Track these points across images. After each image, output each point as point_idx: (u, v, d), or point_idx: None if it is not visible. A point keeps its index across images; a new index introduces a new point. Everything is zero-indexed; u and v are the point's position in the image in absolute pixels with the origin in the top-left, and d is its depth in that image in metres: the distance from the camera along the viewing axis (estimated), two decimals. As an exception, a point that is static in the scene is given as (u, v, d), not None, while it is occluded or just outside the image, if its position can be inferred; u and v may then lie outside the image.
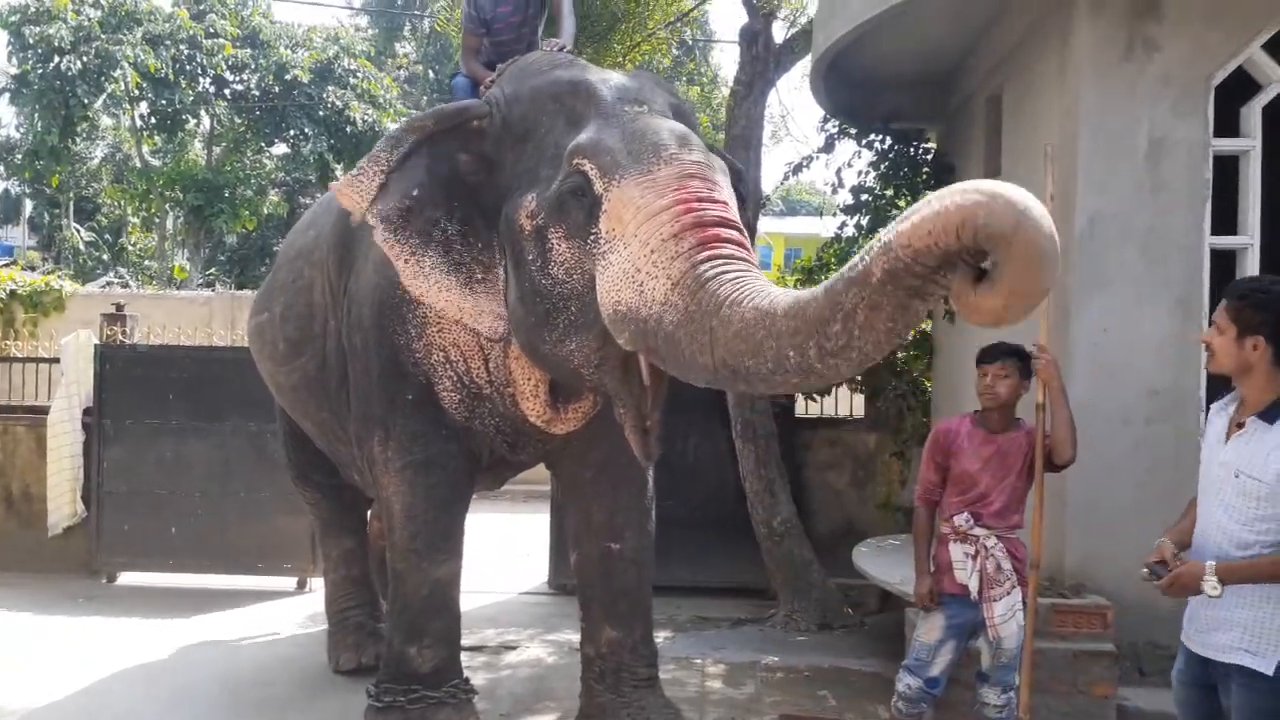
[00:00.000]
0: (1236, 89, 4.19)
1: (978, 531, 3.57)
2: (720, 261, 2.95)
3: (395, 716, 4.22)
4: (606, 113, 3.46)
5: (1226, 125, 4.18)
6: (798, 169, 7.21)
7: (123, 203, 22.04)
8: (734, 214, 3.18)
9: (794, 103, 32.14)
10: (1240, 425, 2.72)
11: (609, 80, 3.65)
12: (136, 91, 18.50)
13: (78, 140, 20.30)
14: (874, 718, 4.65)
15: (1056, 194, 4.37)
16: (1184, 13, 4.13)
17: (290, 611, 6.62)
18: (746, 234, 3.20)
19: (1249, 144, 4.16)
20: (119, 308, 8.18)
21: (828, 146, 6.95)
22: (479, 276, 3.70)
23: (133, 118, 20.45)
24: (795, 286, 7.47)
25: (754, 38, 6.35)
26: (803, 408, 7.36)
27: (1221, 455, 2.76)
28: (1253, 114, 4.17)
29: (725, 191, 3.23)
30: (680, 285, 2.97)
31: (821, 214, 8.54)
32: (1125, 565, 4.04)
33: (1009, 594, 3.52)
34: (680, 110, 3.70)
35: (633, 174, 3.21)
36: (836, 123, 6.88)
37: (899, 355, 6.89)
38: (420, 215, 3.69)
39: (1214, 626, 2.68)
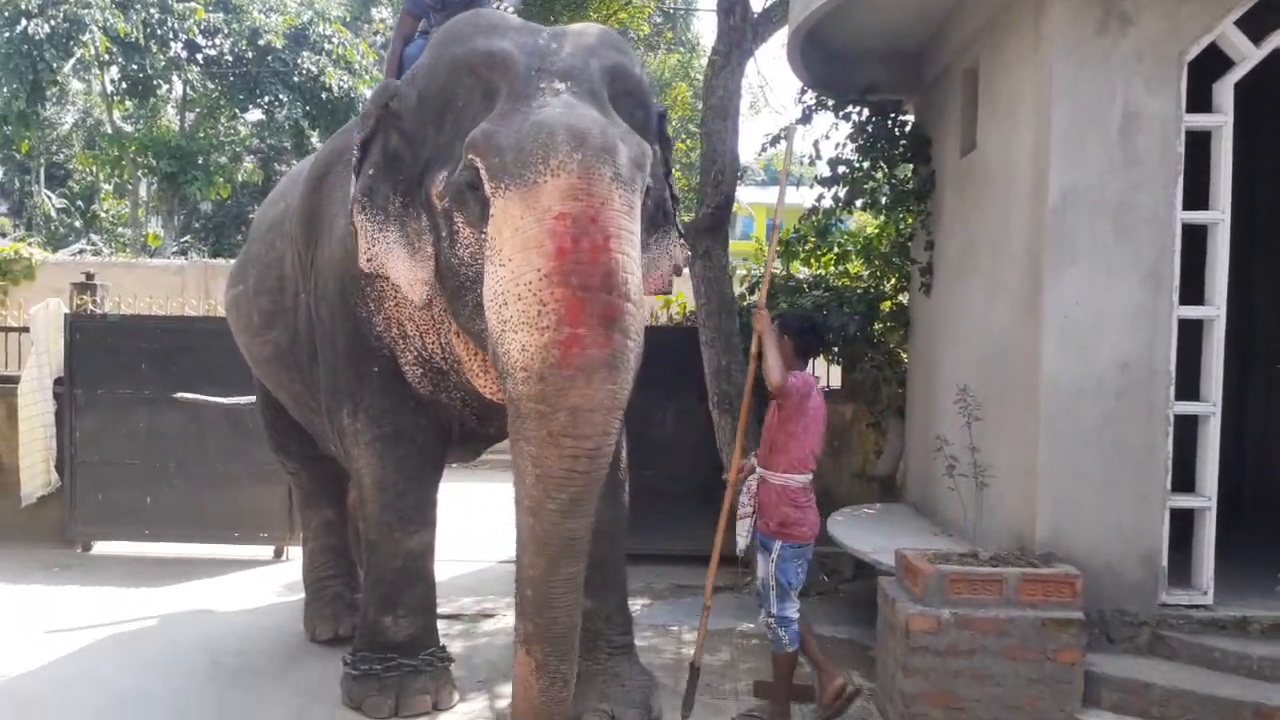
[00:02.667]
0: (1209, 65, 4.21)
1: (754, 463, 4.24)
2: (571, 364, 3.04)
3: (372, 685, 4.27)
4: (518, 92, 3.41)
5: (1199, 101, 4.20)
6: (775, 140, 7.18)
7: (94, 169, 21.67)
8: (614, 243, 3.11)
9: (773, 73, 31.92)
10: None
11: (532, 47, 3.57)
12: (106, 56, 18.13)
13: (47, 105, 19.88)
14: (849, 681, 4.70)
15: (1028, 169, 4.41)
16: (1159, -13, 4.13)
17: (267, 580, 6.63)
18: (626, 261, 3.14)
19: (1221, 120, 4.18)
20: (89, 277, 8.08)
21: (805, 118, 6.92)
22: (416, 246, 3.75)
23: (103, 83, 20.08)
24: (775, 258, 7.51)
25: (732, 7, 6.30)
26: (779, 379, 7.37)
27: None
28: (1225, 90, 4.18)
29: (613, 208, 3.16)
30: (533, 359, 3.09)
31: (800, 185, 8.53)
32: (1094, 534, 4.14)
33: (743, 521, 4.21)
34: (619, 71, 3.61)
35: (516, 186, 3.19)
36: (814, 94, 6.85)
37: (876, 327, 6.93)
38: (378, 193, 3.77)
39: None
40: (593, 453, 3.16)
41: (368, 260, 3.77)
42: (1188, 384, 4.23)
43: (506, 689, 4.58)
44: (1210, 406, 4.22)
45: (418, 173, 3.73)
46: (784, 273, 7.41)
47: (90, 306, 7.74)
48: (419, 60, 3.91)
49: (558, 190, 3.13)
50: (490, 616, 5.77)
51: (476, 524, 7.60)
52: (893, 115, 6.60)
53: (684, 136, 14.94)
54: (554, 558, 3.27)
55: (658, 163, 3.99)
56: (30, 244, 12.56)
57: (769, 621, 4.16)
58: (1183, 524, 4.22)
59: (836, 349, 7.05)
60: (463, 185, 3.40)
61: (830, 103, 6.73)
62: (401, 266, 3.75)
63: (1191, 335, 4.24)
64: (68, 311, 7.46)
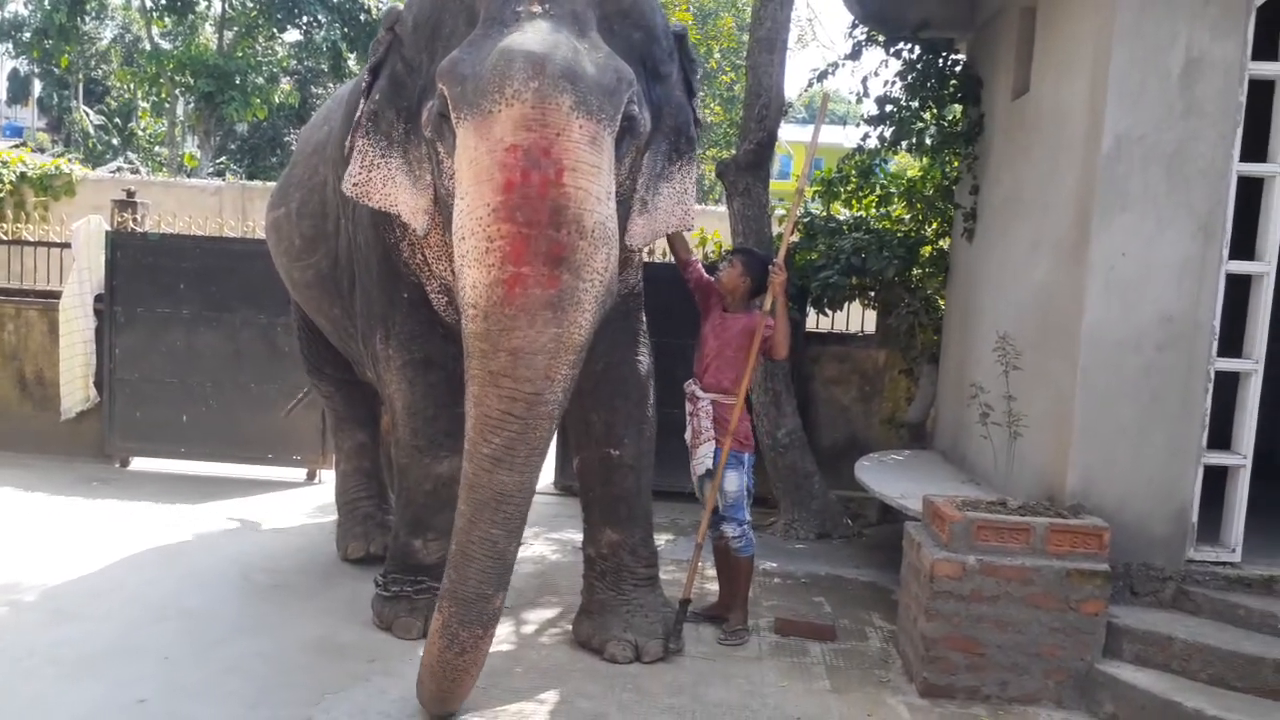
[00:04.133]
0: (1276, 12, 4.05)
1: (698, 393, 4.46)
2: (513, 303, 3.02)
3: (402, 605, 4.36)
4: (493, 15, 3.32)
5: (1262, 49, 4.05)
6: (823, 76, 7.02)
7: (132, 86, 21.69)
8: (568, 176, 3.03)
9: (821, 6, 31.01)
10: None
11: None
12: (146, -30, 18.06)
13: (86, 20, 19.91)
14: (868, 625, 4.76)
15: (1082, 114, 4.29)
16: (1231, -74, 3.97)
17: (300, 502, 6.75)
18: (580, 195, 3.05)
19: (1286, 68, 4.04)
20: (130, 194, 8.12)
21: (854, 54, 6.76)
22: (418, 174, 3.72)
23: (141, -2, 20.00)
24: (814, 198, 7.41)
25: (782, -64, 6.13)
26: (813, 322, 7.34)
27: None
28: (1293, 36, 4.04)
29: (570, 138, 3.06)
30: (480, 296, 3.06)
31: (845, 123, 8.35)
32: (1125, 487, 4.11)
33: (702, 445, 4.40)
34: None
35: (473, 116, 3.12)
36: (864, 29, 6.68)
37: (914, 272, 6.84)
38: (384, 118, 3.74)
39: None
40: (531, 397, 3.11)
41: (354, 185, 3.74)
42: (1229, 340, 4.15)
43: (531, 615, 4.70)
44: (1252, 364, 4.15)
45: (415, 100, 3.68)
46: (824, 213, 7.32)
47: (131, 224, 7.80)
48: None
49: (510, 120, 3.04)
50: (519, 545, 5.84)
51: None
52: (944, 54, 6.43)
53: (728, 69, 14.67)
54: (477, 509, 3.22)
55: (677, 85, 3.89)
56: (70, 160, 12.61)
57: (743, 529, 4.45)
58: (1214, 481, 4.18)
59: (874, 293, 6.98)
60: (438, 115, 3.35)
61: (880, 39, 6.56)
62: (404, 194, 3.72)
63: (1237, 291, 4.15)
64: (109, 229, 7.53)
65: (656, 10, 3.82)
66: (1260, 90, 4.07)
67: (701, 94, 4.13)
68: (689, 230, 4.40)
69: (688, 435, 4.54)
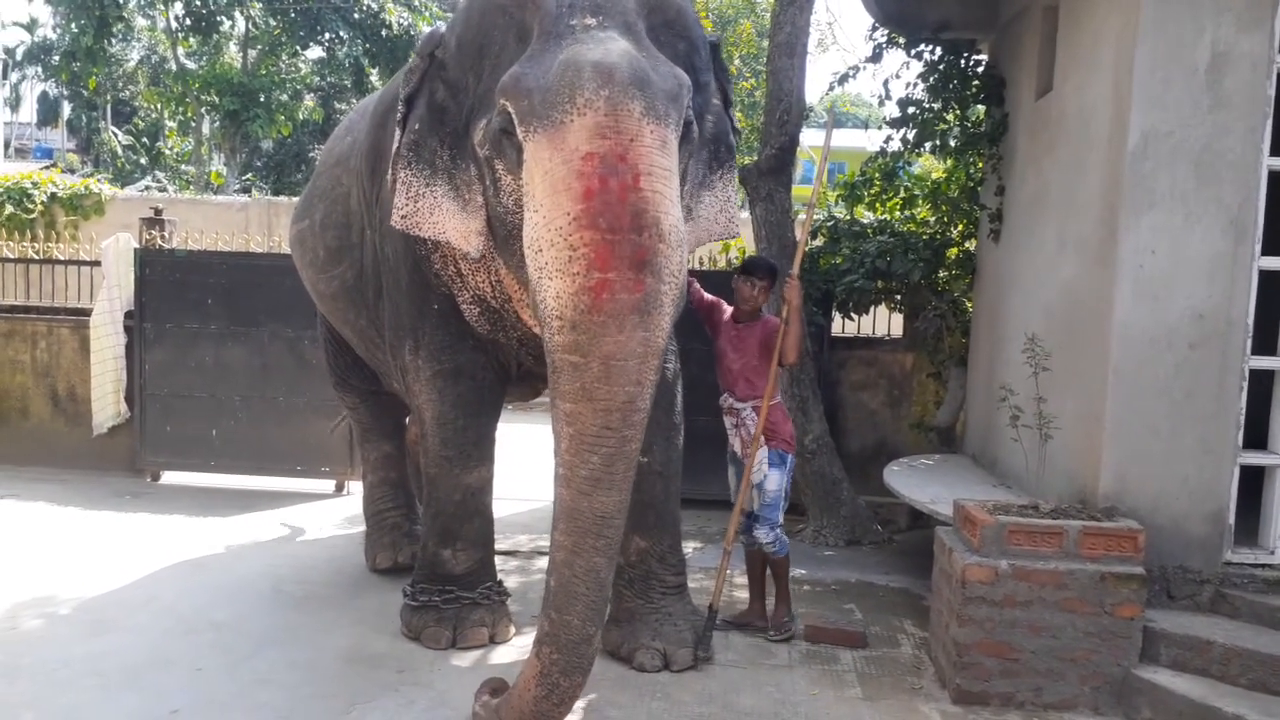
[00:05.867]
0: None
1: (735, 404, 4.55)
2: (602, 310, 2.93)
3: (431, 616, 4.36)
4: (548, 30, 3.30)
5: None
6: (844, 79, 7.00)
7: (159, 106, 21.98)
8: (645, 181, 3.00)
9: (842, 9, 30.88)
10: None
11: None
12: (171, -8, 18.32)
13: (113, 42, 20.20)
14: (899, 631, 4.72)
15: (1107, 111, 4.24)
16: (1256, -82, 3.92)
17: (329, 513, 6.79)
18: (658, 199, 3.01)
19: (1315, 61, 3.98)
20: (158, 212, 8.23)
21: (875, 56, 6.74)
22: (467, 198, 3.71)
23: (167, 19, 20.26)
24: (837, 202, 7.39)
25: (801, -60, 6.12)
26: (839, 327, 7.31)
27: None
28: (1321, 29, 3.98)
29: (643, 144, 3.03)
30: (565, 306, 2.98)
31: (867, 127, 8.32)
32: (1159, 488, 4.05)
33: (758, 451, 4.45)
34: (656, 2, 3.47)
35: (544, 128, 3.09)
36: (885, 32, 6.66)
37: (940, 275, 6.79)
38: (425, 147, 3.73)
39: None
40: (626, 407, 3.03)
41: (403, 217, 3.73)
42: (1263, 337, 4.08)
43: (561, 625, 4.67)
44: (1289, 361, 4.08)
45: (463, 123, 3.67)
46: (848, 217, 7.29)
47: (159, 241, 7.89)
48: (458, 5, 3.86)
49: (584, 129, 3.03)
50: (545, 554, 5.80)
51: (532, 464, 7.67)
52: (966, 55, 6.40)
53: (748, 75, 14.66)
54: (581, 538, 3.09)
55: (715, 94, 3.90)
56: (100, 180, 12.78)
57: (776, 533, 4.54)
58: (1251, 481, 4.11)
59: (900, 297, 6.94)
60: (498, 131, 3.33)
61: (901, 41, 6.54)
62: (453, 220, 3.71)
63: (1270, 287, 4.09)
64: (137, 246, 7.62)
65: (698, 22, 3.82)
66: (1289, 83, 4.02)
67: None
68: (733, 238, 4.41)
69: (736, 447, 4.60)
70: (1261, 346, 4.07)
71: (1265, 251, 4.01)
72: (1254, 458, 4.07)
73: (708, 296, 4.74)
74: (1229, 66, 3.95)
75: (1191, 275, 4.01)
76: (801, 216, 7.29)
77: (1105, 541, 3.84)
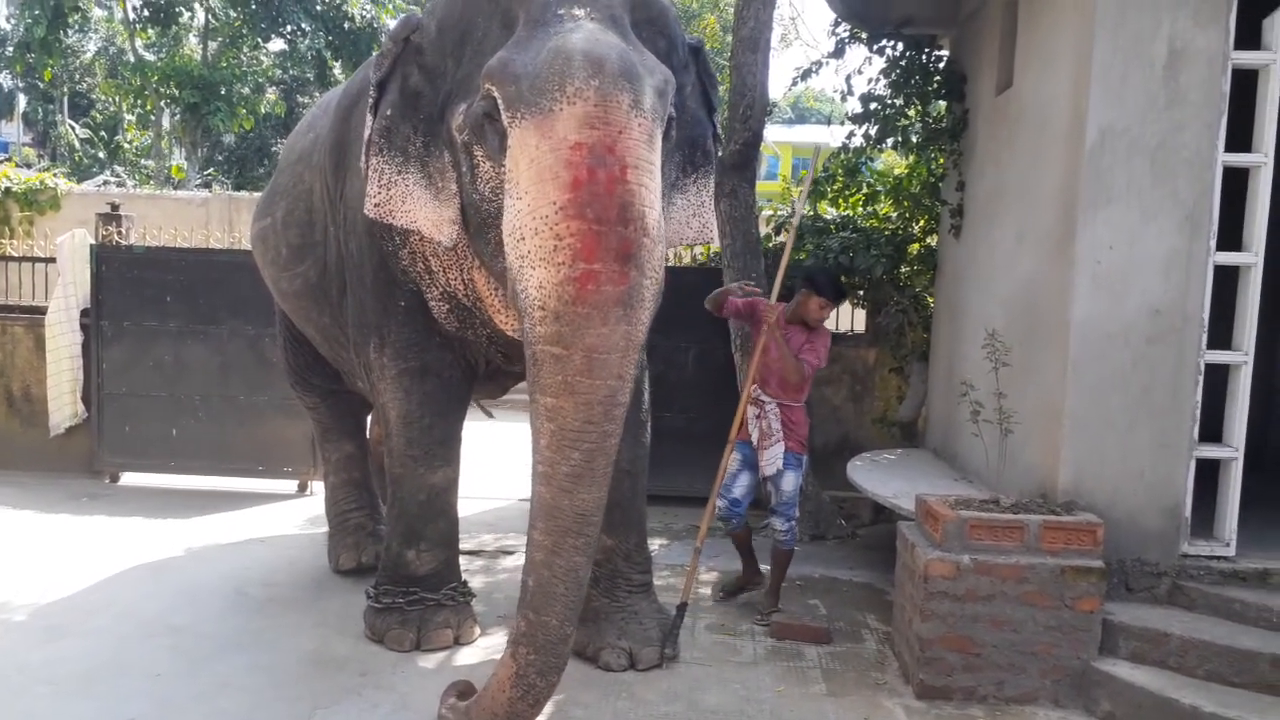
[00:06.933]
0: (1259, 0, 4.05)
1: (763, 398, 4.73)
2: (587, 301, 2.92)
3: (394, 618, 4.32)
4: (535, 18, 3.29)
5: (1245, 38, 4.04)
6: (806, 74, 7.02)
7: (117, 99, 21.61)
8: (632, 174, 2.99)
9: (804, 4, 31.03)
10: None
11: None
12: (128, -18, 18.00)
13: (69, 33, 19.80)
14: (864, 626, 4.74)
15: (1066, 107, 4.28)
16: (1211, -83, 3.96)
17: (291, 514, 6.71)
18: (644, 193, 3.01)
19: (1270, 58, 4.01)
20: (115, 208, 8.09)
21: (838, 52, 6.75)
22: (440, 185, 3.67)
23: (125, 10, 19.90)
24: (799, 196, 7.39)
25: (764, -64, 6.12)
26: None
27: None
28: (1276, 26, 4.02)
29: (631, 137, 3.03)
30: (549, 296, 2.96)
31: (830, 123, 8.33)
32: (1117, 482, 4.09)
33: (772, 447, 4.68)
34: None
35: (532, 114, 3.06)
36: (847, 27, 6.67)
37: (903, 270, 6.83)
38: (398, 133, 3.69)
39: None
40: (608, 400, 3.02)
41: (375, 205, 3.69)
42: (1216, 332, 4.14)
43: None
44: (1242, 356, 4.14)
45: (438, 108, 3.64)
46: (811, 213, 7.30)
47: (116, 238, 7.76)
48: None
49: (574, 118, 3.01)
50: (510, 554, 5.82)
51: (498, 462, 7.64)
52: (927, 50, 6.43)
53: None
54: (561, 536, 3.06)
55: (693, 97, 3.89)
56: (56, 174, 12.55)
57: (790, 525, 4.76)
58: (1206, 475, 4.17)
59: (861, 292, 6.97)
60: (480, 116, 3.30)
61: (864, 36, 6.56)
62: (425, 209, 3.68)
63: (1226, 282, 4.14)
64: (94, 242, 7.49)
65: (677, 21, 3.81)
66: (1244, 80, 4.07)
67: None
68: (705, 243, 4.40)
69: (754, 436, 4.77)
70: (1216, 341, 4.12)
71: (1220, 247, 4.06)
72: (1209, 451, 4.13)
73: (740, 302, 4.91)
74: (1185, 62, 4.00)
75: (1148, 270, 4.05)
76: (767, 213, 7.33)
77: (1065, 535, 3.88)
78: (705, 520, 4.57)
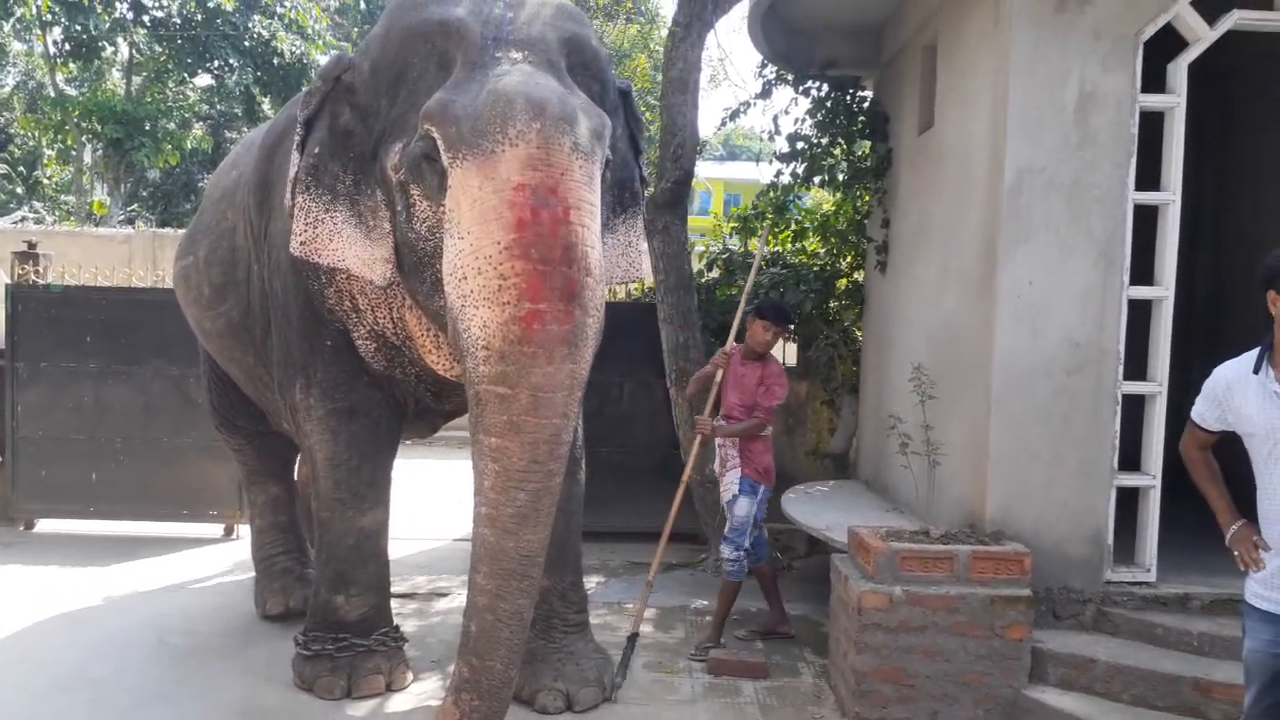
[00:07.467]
0: (1164, 45, 4.23)
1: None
2: (533, 340, 2.96)
3: (324, 665, 4.22)
4: (473, 60, 3.32)
5: (1152, 81, 4.23)
6: (735, 115, 7.14)
7: (36, 134, 21.04)
8: (574, 214, 3.05)
9: (732, 46, 31.67)
10: None
11: (488, 16, 3.47)
12: (48, 16, 17.58)
13: (-14, 67, 19.29)
14: (800, 660, 4.76)
15: (985, 147, 4.41)
16: (1116, -33, 4.14)
17: (217, 558, 6.53)
18: (586, 233, 3.07)
19: (1174, 100, 4.21)
20: (32, 245, 7.82)
21: (765, 93, 6.89)
22: (371, 224, 3.66)
23: (45, 44, 19.45)
24: (731, 233, 7.49)
25: (692, -22, 6.23)
26: (736, 355, 7.37)
27: None
28: (1179, 71, 4.21)
29: (573, 178, 3.09)
30: (494, 335, 2.99)
31: (759, 160, 8.48)
32: (1042, 512, 4.19)
33: (728, 473, 4.81)
34: (576, 43, 3.54)
35: (474, 155, 3.10)
36: (774, 68, 6.81)
37: (831, 305, 6.94)
38: (326, 171, 3.67)
39: None
40: (553, 440, 3.05)
41: (301, 244, 3.65)
42: (1133, 363, 4.28)
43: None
44: (1157, 386, 4.28)
45: (371, 147, 3.62)
46: (741, 249, 7.40)
47: (32, 277, 7.52)
48: (373, 30, 3.82)
49: (517, 160, 3.05)
50: (444, 595, 5.73)
51: (430, 501, 7.54)
52: (852, 91, 6.59)
53: (643, 110, 14.81)
54: (505, 580, 3.07)
55: (622, 140, 3.93)
56: (-31, 211, 12.16)
57: (738, 555, 4.76)
58: (1127, 502, 4.28)
59: (792, 326, 7.06)
60: (419, 156, 3.30)
61: (790, 77, 6.70)
62: (354, 247, 3.65)
63: (1140, 315, 4.29)
64: (8, 282, 7.26)
65: (610, 65, 3.87)
66: (1152, 121, 4.24)
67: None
68: (635, 282, 4.48)
69: (716, 465, 4.98)
70: (1133, 372, 4.26)
71: (1134, 281, 4.21)
72: (1129, 479, 4.25)
73: (710, 367, 5.03)
74: (1095, 105, 4.16)
75: (1066, 305, 4.18)
76: (700, 249, 7.40)
77: (994, 565, 3.95)
78: (658, 556, 4.72)
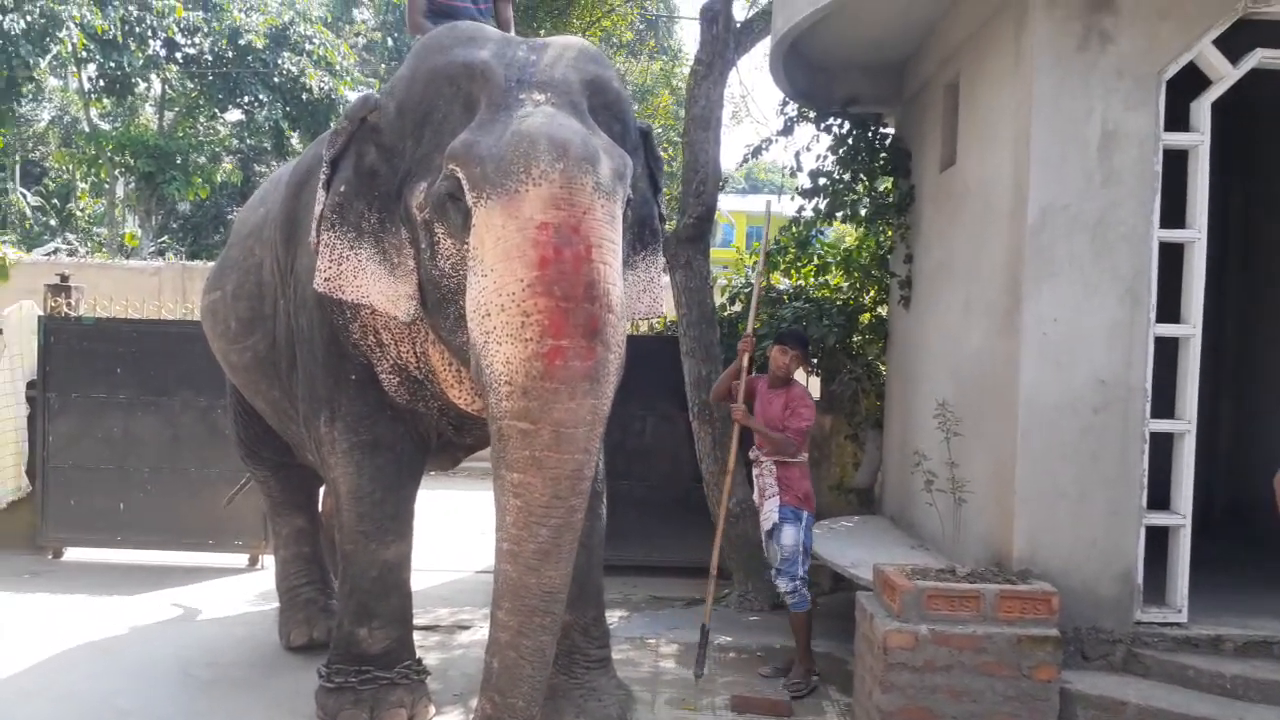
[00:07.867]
0: (1187, 84, 4.24)
1: (760, 457, 4.91)
2: (555, 376, 2.99)
3: (347, 698, 4.22)
4: (497, 102, 3.39)
5: (1176, 119, 4.23)
6: (757, 151, 7.19)
7: (70, 167, 21.46)
8: (596, 253, 3.09)
9: (755, 83, 31.95)
10: None
11: (512, 59, 3.54)
12: (84, 53, 17.99)
13: (23, 102, 19.71)
14: (824, 698, 4.71)
15: (1008, 185, 4.42)
16: (1138, 7, 4.15)
17: (242, 589, 6.56)
18: (608, 271, 3.11)
19: (1198, 139, 4.21)
20: (64, 278, 7.96)
21: (787, 130, 6.93)
22: (395, 261, 3.70)
23: (80, 80, 19.89)
24: (753, 265, 7.52)
25: (714, 17, 6.30)
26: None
27: None
28: (1202, 109, 4.21)
29: (595, 217, 3.13)
30: (516, 371, 3.02)
31: (781, 193, 8.52)
32: (1070, 551, 4.15)
33: (768, 502, 4.84)
34: (598, 84, 3.60)
35: (498, 194, 3.15)
36: (796, 106, 6.86)
37: (855, 339, 6.94)
38: (351, 209, 3.72)
39: None
40: (575, 475, 3.07)
41: (326, 280, 3.70)
42: (1161, 400, 4.25)
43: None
44: (1185, 424, 4.25)
45: (396, 186, 3.68)
46: (765, 283, 7.42)
47: (65, 309, 7.64)
48: (398, 72, 3.89)
49: (540, 199, 3.10)
50: (466, 628, 5.73)
51: (453, 532, 7.56)
52: (873, 128, 6.62)
53: (665, 145, 14.94)
54: (528, 616, 3.08)
55: (642, 179, 3.98)
56: (4, 243, 12.39)
57: (795, 585, 4.76)
58: (1157, 540, 4.24)
59: (816, 360, 7.06)
60: (443, 195, 3.36)
61: (812, 114, 6.74)
62: (379, 284, 3.70)
63: (1166, 352, 4.27)
64: (41, 313, 7.38)
65: (630, 106, 3.94)
66: (1176, 159, 4.24)
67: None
68: (655, 317, 4.52)
69: (755, 495, 5.04)
70: (1161, 410, 4.23)
71: (1160, 318, 4.19)
72: (1158, 518, 4.21)
73: (729, 389, 5.11)
74: (1118, 144, 4.17)
75: (1092, 342, 4.17)
76: (722, 281, 7.45)
77: (1021, 604, 3.91)
78: (709, 595, 4.91)
